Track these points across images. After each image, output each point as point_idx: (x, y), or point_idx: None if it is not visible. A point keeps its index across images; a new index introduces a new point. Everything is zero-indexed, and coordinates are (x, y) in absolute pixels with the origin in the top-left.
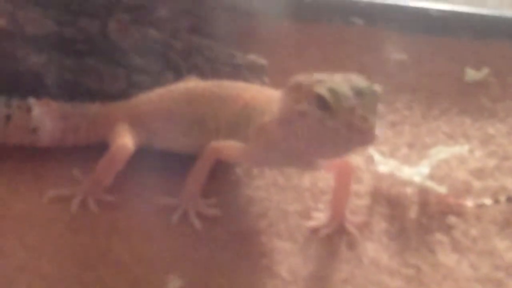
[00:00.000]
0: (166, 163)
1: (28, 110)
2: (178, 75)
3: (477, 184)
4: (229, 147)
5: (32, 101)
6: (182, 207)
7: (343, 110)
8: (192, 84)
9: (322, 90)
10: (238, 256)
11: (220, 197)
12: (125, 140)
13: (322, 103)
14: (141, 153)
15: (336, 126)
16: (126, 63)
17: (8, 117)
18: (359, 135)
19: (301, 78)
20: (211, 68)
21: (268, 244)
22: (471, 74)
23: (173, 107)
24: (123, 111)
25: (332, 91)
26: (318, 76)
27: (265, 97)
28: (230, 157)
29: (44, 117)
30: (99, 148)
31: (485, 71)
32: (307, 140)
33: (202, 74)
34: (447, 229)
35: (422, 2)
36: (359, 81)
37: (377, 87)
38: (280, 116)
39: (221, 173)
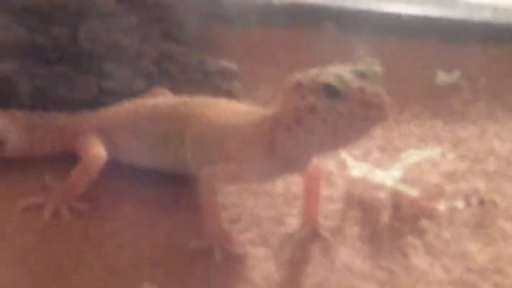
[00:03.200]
0: (137, 171)
1: None
2: (150, 82)
3: (449, 187)
4: (224, 171)
5: None
6: (216, 246)
7: (354, 91)
8: (159, 99)
9: (328, 79)
10: (212, 263)
11: (192, 205)
12: (98, 150)
13: (330, 91)
14: (113, 162)
15: (351, 109)
16: (97, 71)
17: None
18: (376, 110)
19: (298, 76)
20: (183, 75)
21: (241, 250)
22: (442, 77)
23: (139, 122)
24: (90, 122)
25: (337, 77)
26: (313, 70)
27: (230, 112)
28: (229, 181)
29: (10, 129)
30: (68, 156)
31: (456, 74)
32: (322, 134)
33: (174, 81)
34: (420, 232)
35: (393, 7)
36: (358, 65)
37: (377, 67)
38: (285, 120)
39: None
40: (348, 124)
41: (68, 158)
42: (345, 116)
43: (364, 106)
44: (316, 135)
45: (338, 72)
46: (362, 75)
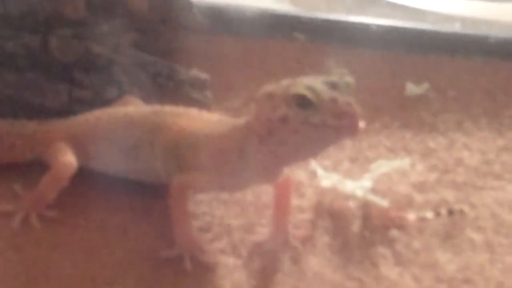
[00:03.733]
0: (108, 178)
1: None
2: (121, 90)
3: (418, 197)
4: (194, 179)
5: None
6: (186, 254)
7: (326, 102)
8: (130, 108)
9: (300, 90)
10: (181, 272)
11: (163, 213)
12: (69, 158)
13: (302, 102)
14: (83, 170)
15: (323, 119)
16: (68, 78)
17: None
18: (348, 121)
19: (270, 87)
20: (153, 83)
21: (211, 259)
22: (412, 88)
23: (110, 131)
24: (61, 130)
25: (309, 88)
26: (285, 81)
27: (202, 122)
28: (199, 189)
29: None
30: (37, 164)
31: (425, 85)
32: (294, 145)
33: (145, 90)
34: (390, 242)
35: (363, 18)
36: (330, 76)
37: (349, 78)
38: (258, 130)
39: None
40: (320, 135)
41: (38, 166)
42: (317, 126)
43: (336, 117)
44: (287, 145)
45: (310, 83)
46: (334, 86)
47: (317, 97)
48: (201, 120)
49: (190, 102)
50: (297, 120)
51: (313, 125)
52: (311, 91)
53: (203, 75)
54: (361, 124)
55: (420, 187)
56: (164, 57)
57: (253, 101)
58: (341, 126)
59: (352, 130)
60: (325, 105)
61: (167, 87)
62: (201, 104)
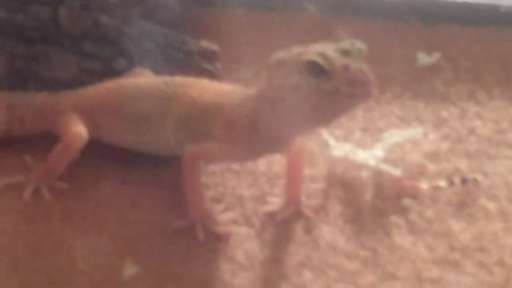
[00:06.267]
0: (119, 150)
1: None
2: (130, 61)
3: (431, 166)
4: (207, 149)
5: None
6: (199, 225)
7: (338, 69)
8: (141, 79)
9: (312, 57)
10: (194, 242)
11: (175, 184)
12: (79, 129)
13: (314, 69)
14: (93, 142)
15: (336, 87)
16: (78, 50)
17: None
18: (361, 87)
19: (281, 54)
20: (164, 55)
21: (224, 229)
22: (423, 58)
23: (120, 103)
24: (71, 102)
25: (321, 55)
26: (297, 49)
27: (213, 92)
28: (212, 159)
29: None
30: (48, 135)
31: (436, 55)
32: (306, 112)
33: (155, 61)
34: (403, 211)
35: None
36: (341, 43)
37: (360, 45)
38: (269, 98)
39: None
40: (332, 102)
41: (48, 138)
42: (329, 93)
43: (349, 83)
44: (300, 113)
45: (321, 50)
46: (346, 53)
47: (329, 64)
48: (212, 90)
49: (201, 73)
50: (309, 87)
51: (326, 92)
52: (323, 58)
53: (213, 46)
54: (374, 90)
55: (433, 156)
56: (174, 28)
57: (263, 70)
58: (354, 92)
59: (365, 96)
60: (338, 72)
61: (177, 58)
62: (211, 75)
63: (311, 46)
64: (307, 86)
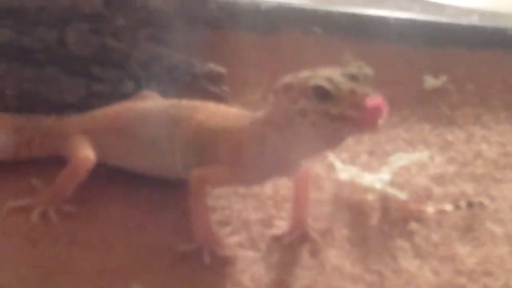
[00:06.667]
0: (126, 173)
1: None
2: (138, 84)
3: (437, 190)
4: (214, 173)
5: None
6: (205, 248)
7: (345, 93)
8: (148, 102)
9: (319, 81)
10: (200, 266)
11: (181, 207)
12: (87, 152)
13: (321, 93)
14: (101, 165)
15: (343, 112)
16: (85, 73)
17: None
18: (368, 113)
19: (288, 79)
20: (170, 78)
21: (230, 253)
22: (430, 81)
23: (127, 126)
24: (78, 125)
25: (328, 79)
26: (304, 73)
27: (220, 116)
28: (218, 183)
29: None
30: (55, 159)
31: (443, 78)
32: (313, 137)
33: (162, 84)
34: (408, 235)
35: (380, 11)
36: (348, 68)
37: (367, 69)
38: (276, 122)
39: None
40: (339, 127)
41: (56, 161)
42: (336, 118)
43: (357, 109)
44: (307, 138)
45: (328, 74)
46: (352, 78)
47: (336, 89)
48: (219, 113)
49: (207, 96)
50: (316, 112)
51: (332, 117)
52: (330, 83)
53: (220, 69)
54: (383, 117)
55: (439, 179)
56: (180, 51)
57: (270, 94)
58: (362, 118)
59: (375, 121)
60: (345, 96)
61: (184, 81)
62: (218, 98)
63: (318, 71)
64: (313, 110)
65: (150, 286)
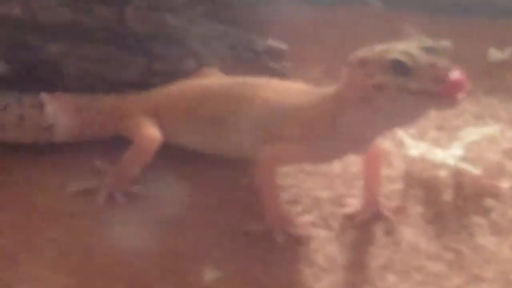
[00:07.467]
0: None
1: (41, 107)
2: (199, 62)
3: (510, 165)
4: (284, 151)
5: (44, 96)
6: (278, 230)
7: (424, 67)
8: (212, 80)
9: (396, 55)
10: (272, 246)
11: (250, 187)
12: (152, 131)
13: (399, 68)
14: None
15: (423, 85)
16: (145, 51)
17: (21, 117)
18: (449, 86)
19: (362, 53)
20: (232, 54)
21: (303, 232)
22: (495, 54)
23: (191, 104)
24: (141, 104)
25: (406, 53)
26: (378, 46)
27: (287, 92)
28: (289, 161)
29: (58, 112)
30: (117, 139)
31: (508, 50)
32: (389, 112)
33: (223, 61)
34: (485, 211)
35: None
36: (425, 40)
37: (446, 42)
38: (350, 98)
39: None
40: (417, 102)
41: (120, 141)
42: (415, 93)
43: (437, 82)
44: (384, 113)
45: (405, 48)
46: (430, 51)
47: (415, 62)
48: (285, 90)
49: (269, 72)
50: (394, 87)
51: (412, 92)
52: (408, 56)
53: (281, 45)
54: (464, 90)
55: (511, 154)
56: (239, 27)
57: (342, 69)
58: (441, 92)
59: (453, 97)
60: (424, 70)
61: (245, 58)
62: (279, 75)
63: (393, 44)
64: (391, 85)
65: (223, 268)
